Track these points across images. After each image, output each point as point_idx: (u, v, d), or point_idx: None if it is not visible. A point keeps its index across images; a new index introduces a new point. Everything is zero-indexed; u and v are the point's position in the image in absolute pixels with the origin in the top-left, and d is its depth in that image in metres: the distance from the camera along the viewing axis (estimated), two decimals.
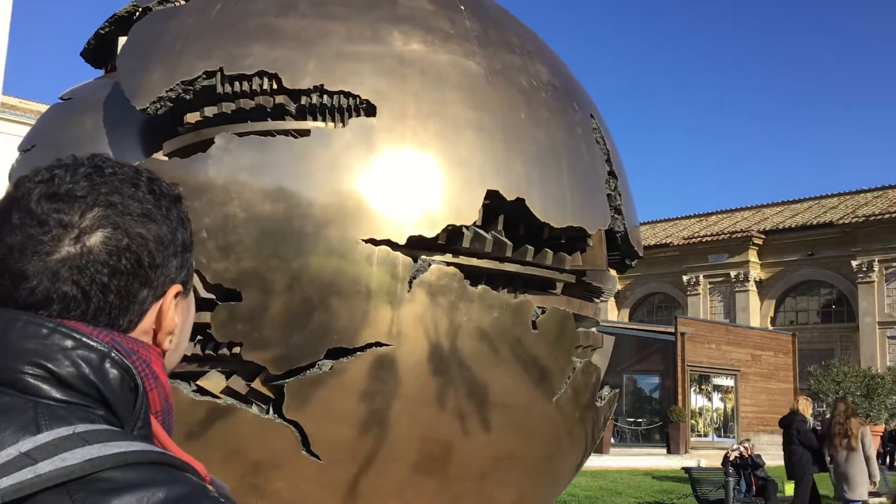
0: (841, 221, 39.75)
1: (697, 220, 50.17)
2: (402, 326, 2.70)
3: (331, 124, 2.78)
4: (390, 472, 2.81)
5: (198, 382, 2.70)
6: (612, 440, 26.58)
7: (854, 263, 38.40)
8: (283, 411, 2.65)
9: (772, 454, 24.65)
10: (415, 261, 2.72)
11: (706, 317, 40.17)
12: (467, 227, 2.82)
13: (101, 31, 3.45)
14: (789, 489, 15.20)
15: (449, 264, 2.80)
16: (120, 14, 3.37)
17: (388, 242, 2.67)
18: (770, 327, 38.93)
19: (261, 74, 2.77)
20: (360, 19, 2.97)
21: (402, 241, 2.68)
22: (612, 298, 43.85)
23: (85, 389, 0.87)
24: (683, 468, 17.40)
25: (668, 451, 26.74)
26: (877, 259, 37.91)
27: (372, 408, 2.70)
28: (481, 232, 2.85)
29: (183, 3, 3.17)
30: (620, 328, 27.90)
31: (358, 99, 2.74)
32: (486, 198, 2.84)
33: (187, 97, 2.82)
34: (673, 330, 28.55)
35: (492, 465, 3.01)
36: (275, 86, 2.77)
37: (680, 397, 27.93)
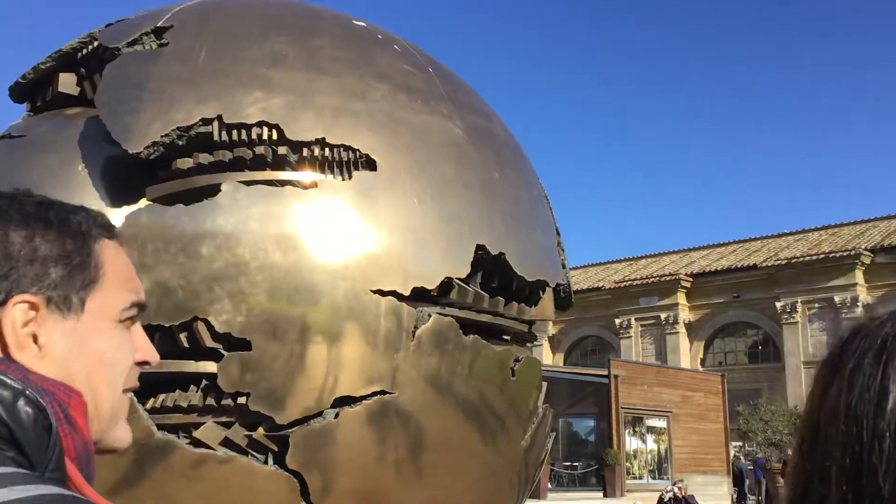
0: (765, 264, 41.08)
1: (628, 263, 51.22)
2: (405, 374, 2.77)
3: (336, 177, 2.83)
4: None
5: (194, 434, 2.69)
6: (549, 485, 26.61)
7: (778, 305, 39.65)
8: (286, 462, 2.66)
9: (706, 495, 25.04)
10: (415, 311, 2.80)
11: (638, 359, 40.84)
12: (458, 280, 2.93)
13: (42, 66, 3.36)
14: None
15: (443, 315, 2.89)
16: (65, 50, 3.31)
17: (394, 293, 2.74)
18: (700, 368, 39.77)
19: (261, 124, 2.81)
20: (347, 75, 3.07)
21: (407, 293, 2.76)
22: (547, 342, 44.26)
23: None
24: None
25: (605, 495, 26.88)
26: (800, 300, 39.23)
27: (377, 454, 2.74)
28: (463, 284, 2.97)
29: (154, 47, 3.13)
30: (555, 371, 28.15)
31: (358, 153, 2.82)
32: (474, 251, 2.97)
33: (180, 143, 2.81)
34: (606, 372, 28.89)
35: None
36: (275, 136, 2.81)
37: (615, 439, 28.17)
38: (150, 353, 1.05)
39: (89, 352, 0.95)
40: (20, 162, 2.99)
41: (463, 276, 2.94)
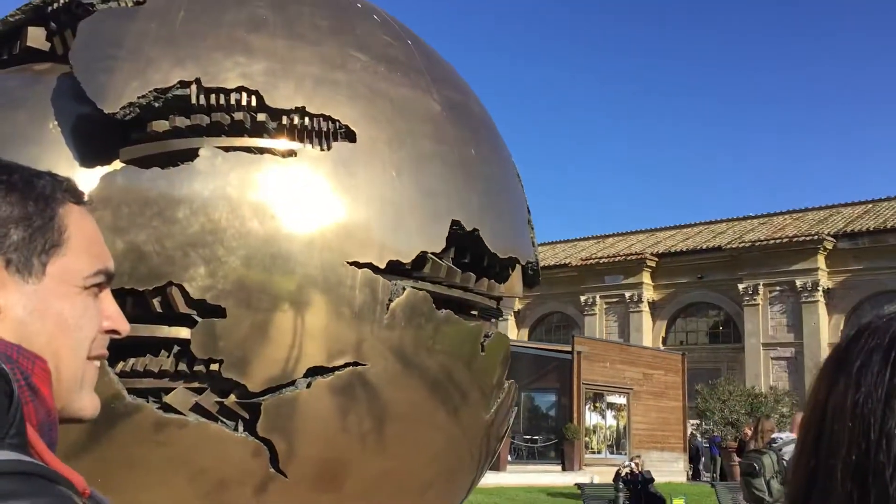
0: (729, 246, 41.62)
1: (595, 241, 51.60)
2: (378, 346, 2.78)
3: (315, 147, 2.82)
4: (362, 489, 2.88)
5: (165, 399, 2.68)
6: (509, 457, 26.91)
7: (741, 287, 40.25)
8: (256, 429, 2.67)
9: (662, 471, 25.50)
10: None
11: (602, 336, 41.30)
12: (432, 255, 2.94)
13: (10, 18, 3.25)
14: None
15: (417, 288, 2.90)
16: (36, 2, 3.20)
17: (370, 266, 2.74)
18: (661, 347, 40.34)
19: (240, 90, 2.77)
20: (327, 43, 3.04)
21: (383, 266, 2.77)
22: (513, 317, 44.55)
23: None
24: (576, 484, 17.87)
25: (563, 468, 27.28)
26: (762, 283, 39.85)
27: (345, 425, 2.76)
28: (436, 259, 2.99)
29: (130, 4, 3.05)
30: (519, 346, 28.37)
31: (338, 123, 2.81)
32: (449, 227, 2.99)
33: (157, 105, 2.76)
34: (570, 348, 29.18)
35: (431, 480, 3.15)
36: (254, 102, 2.78)
37: (575, 415, 28.54)
38: (120, 322, 1.03)
39: (50, 315, 0.93)
40: None
41: (438, 251, 2.96)
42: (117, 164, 2.75)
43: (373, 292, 2.76)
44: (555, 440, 29.06)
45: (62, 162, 2.73)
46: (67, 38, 3.13)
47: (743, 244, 41.08)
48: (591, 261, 45.97)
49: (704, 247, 43.40)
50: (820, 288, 38.42)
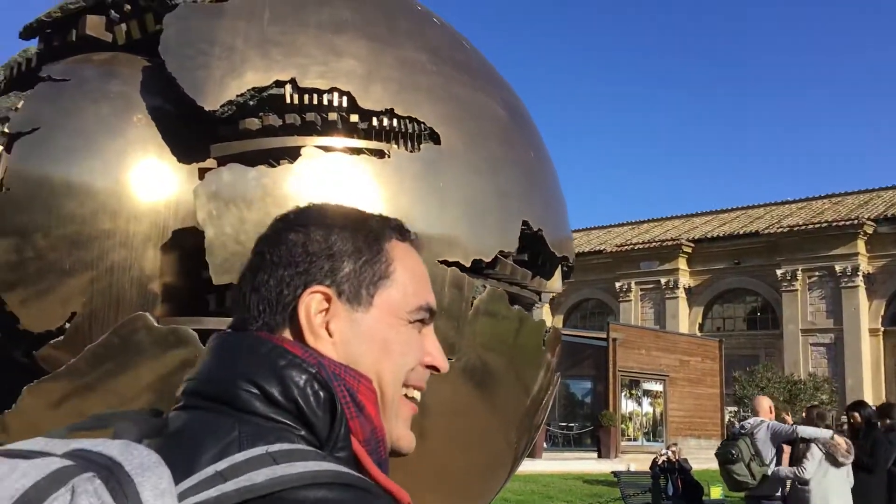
0: (767, 231, 41.21)
1: (630, 227, 51.35)
2: (464, 343, 2.85)
3: (403, 149, 2.87)
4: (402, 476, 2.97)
5: None
6: (545, 444, 26.97)
7: (779, 272, 39.85)
8: None
9: (699, 458, 25.44)
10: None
11: (637, 323, 41.15)
12: (502, 254, 3.02)
13: (70, 5, 3.18)
14: (715, 493, 15.74)
15: (494, 286, 3.00)
16: None
17: (457, 264, 2.81)
18: (698, 333, 40.11)
19: (332, 90, 2.80)
20: (406, 46, 3.08)
21: (468, 264, 2.83)
22: (547, 304, 44.48)
23: (288, 408, 0.90)
24: (613, 472, 17.85)
25: (599, 456, 27.30)
26: (800, 268, 39.43)
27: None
28: (503, 258, 3.07)
29: (208, 1, 3.03)
30: None
31: (423, 125, 2.86)
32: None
33: (252, 103, 2.78)
34: (605, 335, 29.15)
35: (470, 468, 3.27)
36: (345, 103, 2.81)
37: (611, 402, 28.53)
38: (441, 361, 1.09)
39: (375, 340, 1.00)
40: (70, 110, 2.88)
41: (513, 250, 3.04)
42: (211, 162, 2.78)
43: (459, 290, 2.83)
44: (590, 427, 29.08)
45: (150, 155, 2.76)
46: (132, 29, 3.12)
47: (781, 229, 40.64)
48: (627, 247, 45.77)
49: (741, 232, 43.02)
50: (860, 273, 37.94)
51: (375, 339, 1.00)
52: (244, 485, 0.80)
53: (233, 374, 0.92)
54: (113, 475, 0.78)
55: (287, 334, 0.98)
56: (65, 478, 0.77)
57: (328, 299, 0.99)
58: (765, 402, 8.74)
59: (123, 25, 3.14)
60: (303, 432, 0.89)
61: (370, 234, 1.04)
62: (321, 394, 0.91)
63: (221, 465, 0.83)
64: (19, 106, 3.03)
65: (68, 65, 3.06)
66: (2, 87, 3.34)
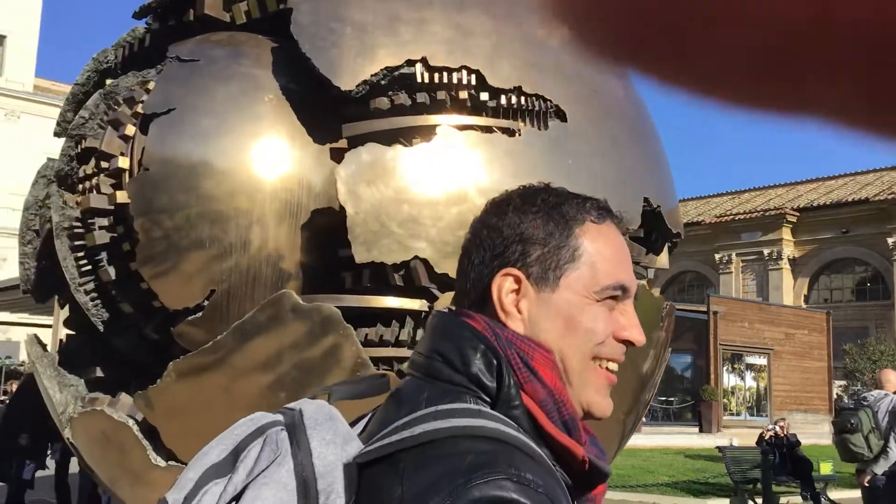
0: (876, 198, 39.40)
1: (730, 197, 49.90)
2: None
3: (532, 127, 2.88)
4: None
5: (400, 368, 2.70)
6: (645, 419, 26.67)
7: (890, 241, 38.13)
8: None
9: (806, 433, 24.74)
10: None
11: (739, 295, 40.09)
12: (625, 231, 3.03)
13: None
14: (825, 468, 15.28)
15: None
16: None
17: None
18: (803, 305, 38.82)
19: (462, 69, 2.81)
20: (526, 24, 3.06)
21: None
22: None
23: (466, 373, 1.03)
24: (718, 447, 17.48)
25: (700, 430, 26.82)
26: None
27: None
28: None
29: None
30: None
31: (549, 103, 2.86)
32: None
33: (383, 83, 2.79)
34: (705, 309, 28.52)
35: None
36: (473, 81, 2.82)
37: (712, 376, 27.96)
38: (636, 334, 1.15)
39: (560, 318, 1.10)
40: (202, 88, 2.93)
41: (636, 227, 3.02)
42: (342, 141, 2.82)
43: None
44: (691, 402, 28.60)
45: (282, 134, 2.81)
46: (252, 8, 3.13)
47: (892, 195, 38.82)
48: (727, 217, 44.53)
49: (849, 199, 41.27)
50: None
51: (560, 316, 1.10)
52: (406, 434, 0.97)
53: (430, 349, 1.08)
54: (295, 428, 1.03)
55: (485, 312, 1.10)
56: (266, 429, 1.05)
57: (518, 281, 1.10)
58: (892, 376, 8.43)
59: (244, 5, 3.16)
60: (480, 394, 1.02)
61: (562, 220, 1.12)
62: (493, 361, 1.03)
63: (403, 420, 1.00)
64: (144, 86, 3.10)
65: (195, 45, 3.10)
66: (118, 67, 3.46)
